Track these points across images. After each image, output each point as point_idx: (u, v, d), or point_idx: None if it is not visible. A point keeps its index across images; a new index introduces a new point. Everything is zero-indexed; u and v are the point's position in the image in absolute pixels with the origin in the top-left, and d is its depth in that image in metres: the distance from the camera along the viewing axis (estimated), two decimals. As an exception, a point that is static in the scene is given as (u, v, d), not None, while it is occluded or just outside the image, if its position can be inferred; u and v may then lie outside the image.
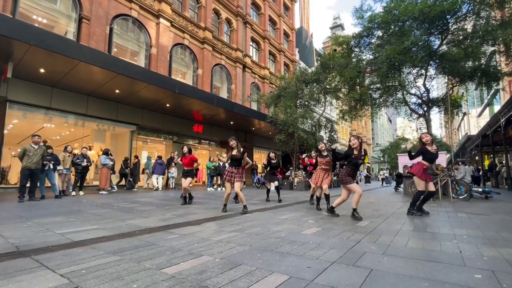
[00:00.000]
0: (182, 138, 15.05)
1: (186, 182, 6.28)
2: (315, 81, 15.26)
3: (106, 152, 9.46)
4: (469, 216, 4.70)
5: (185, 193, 6.42)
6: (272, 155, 7.51)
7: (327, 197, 5.42)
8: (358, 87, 13.66)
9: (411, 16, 9.72)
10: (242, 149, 5.19)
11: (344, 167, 4.51)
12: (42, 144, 6.96)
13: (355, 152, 4.38)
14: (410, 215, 4.76)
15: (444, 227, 3.72)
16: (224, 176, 5.15)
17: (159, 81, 9.99)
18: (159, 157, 11.61)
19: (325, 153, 5.52)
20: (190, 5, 16.52)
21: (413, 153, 4.87)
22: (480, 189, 8.40)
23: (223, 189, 12.28)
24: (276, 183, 7.47)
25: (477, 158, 16.67)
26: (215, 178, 12.94)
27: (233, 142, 5.16)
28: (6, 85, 8.52)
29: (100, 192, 9.04)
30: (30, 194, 6.56)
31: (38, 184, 6.98)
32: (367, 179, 25.80)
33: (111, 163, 9.35)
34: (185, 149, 6.48)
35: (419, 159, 4.81)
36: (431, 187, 4.62)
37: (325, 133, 16.77)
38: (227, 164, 9.84)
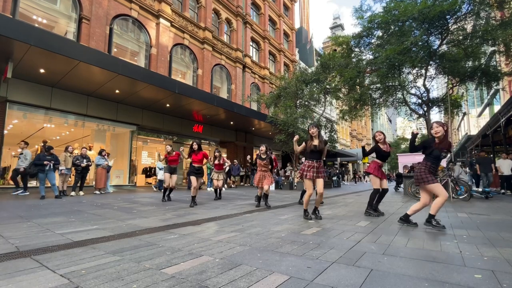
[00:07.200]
0: (182, 138, 15.04)
1: (197, 181, 6.01)
2: (315, 81, 15.24)
3: (100, 152, 9.47)
4: (469, 216, 4.70)
5: (195, 194, 6.28)
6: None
7: (266, 196, 6.01)
8: (358, 87, 13.64)
9: (410, 17, 9.72)
10: (323, 139, 4.34)
11: (421, 162, 3.70)
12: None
13: (437, 141, 3.55)
14: (367, 215, 4.73)
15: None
16: (304, 173, 4.21)
17: (159, 81, 9.98)
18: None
19: (264, 156, 5.94)
20: (190, 5, 16.52)
21: (367, 150, 5.03)
22: (480, 189, 8.41)
23: (223, 189, 12.24)
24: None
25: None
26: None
27: (314, 130, 4.24)
28: (6, 85, 8.53)
29: (95, 192, 9.03)
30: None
31: (38, 184, 7.04)
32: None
33: (106, 162, 9.35)
34: (195, 145, 6.12)
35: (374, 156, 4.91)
36: (385, 184, 4.69)
37: (325, 133, 16.77)
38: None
